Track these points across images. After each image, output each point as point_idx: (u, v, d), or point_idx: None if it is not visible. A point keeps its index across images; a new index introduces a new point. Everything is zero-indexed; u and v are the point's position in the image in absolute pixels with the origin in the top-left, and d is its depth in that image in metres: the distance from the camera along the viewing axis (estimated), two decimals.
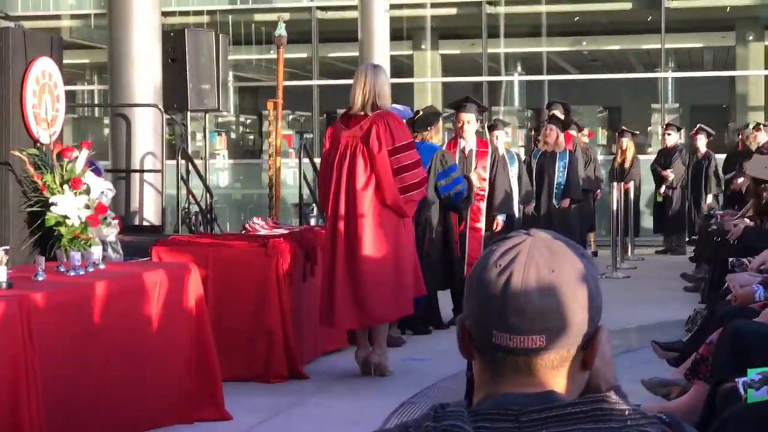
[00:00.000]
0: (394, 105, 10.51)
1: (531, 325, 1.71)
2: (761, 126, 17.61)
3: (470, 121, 10.68)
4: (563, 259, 1.75)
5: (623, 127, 19.01)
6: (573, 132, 16.51)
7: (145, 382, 6.02)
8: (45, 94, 7.32)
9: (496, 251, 1.76)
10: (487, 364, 1.76)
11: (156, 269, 6.38)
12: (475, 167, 10.77)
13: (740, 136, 18.27)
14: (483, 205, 10.83)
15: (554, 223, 14.30)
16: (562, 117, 15.34)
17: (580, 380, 1.79)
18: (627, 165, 18.00)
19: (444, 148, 10.54)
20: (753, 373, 3.88)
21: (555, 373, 1.75)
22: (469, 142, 10.76)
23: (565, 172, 14.65)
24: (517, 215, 13.12)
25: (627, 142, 18.22)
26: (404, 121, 8.74)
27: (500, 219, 11.04)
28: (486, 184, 10.82)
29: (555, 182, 14.65)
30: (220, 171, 23.18)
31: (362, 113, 8.07)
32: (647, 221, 19.46)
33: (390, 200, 8.01)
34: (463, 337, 1.80)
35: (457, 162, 10.36)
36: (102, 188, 7.22)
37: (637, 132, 19.60)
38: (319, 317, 8.21)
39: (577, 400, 1.73)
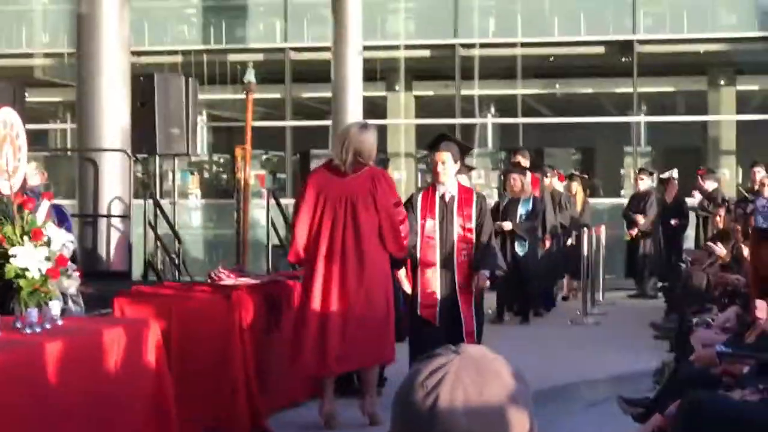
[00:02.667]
0: None
1: None
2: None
3: (446, 161, 9.04)
4: (492, 380, 1.70)
5: (573, 171, 18.95)
6: (549, 176, 16.58)
7: None
8: (6, 145, 7.24)
9: (422, 371, 1.71)
10: None
11: (114, 326, 6.30)
12: (459, 217, 9.10)
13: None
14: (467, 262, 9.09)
15: (520, 268, 14.25)
16: (526, 163, 15.35)
17: None
18: (578, 209, 17.82)
19: (421, 194, 9.33)
20: None
21: None
22: (449, 187, 9.12)
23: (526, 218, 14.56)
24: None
25: (576, 187, 18.10)
26: None
27: (484, 275, 9.23)
28: (473, 237, 9.09)
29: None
30: (193, 211, 23.10)
31: (345, 168, 8.23)
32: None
33: (393, 246, 8.31)
34: None
35: (437, 211, 9.09)
36: (63, 240, 7.14)
37: (586, 176, 19.44)
38: (304, 363, 8.15)
39: None
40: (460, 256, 9.04)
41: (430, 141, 9.48)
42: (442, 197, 9.12)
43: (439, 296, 8.98)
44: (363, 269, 8.13)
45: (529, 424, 1.72)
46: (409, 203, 9.16)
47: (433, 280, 9.00)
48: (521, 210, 14.49)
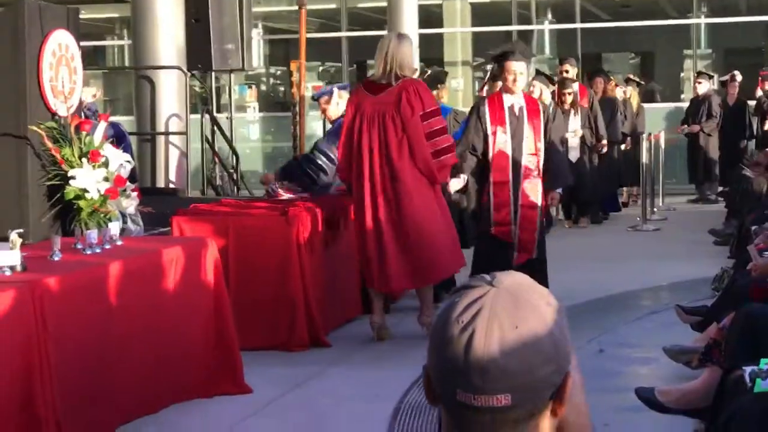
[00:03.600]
0: (337, 84, 10.18)
1: (495, 384, 1.67)
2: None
3: (523, 72, 8.63)
4: (527, 311, 1.70)
5: (629, 76, 18.68)
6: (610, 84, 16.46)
7: (164, 359, 6.04)
8: (62, 67, 7.30)
9: (458, 304, 1.71)
10: (453, 418, 1.73)
11: (173, 245, 6.37)
12: (530, 130, 8.62)
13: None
14: (537, 179, 8.67)
15: None
16: (574, 71, 15.18)
17: (549, 429, 1.76)
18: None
19: (487, 103, 8.69)
20: (765, 363, 3.82)
21: (523, 427, 1.71)
22: (516, 97, 8.67)
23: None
24: None
25: (631, 91, 17.86)
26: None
27: (558, 194, 9.06)
28: (541, 149, 8.65)
29: None
30: (251, 124, 23.13)
31: (385, 82, 8.08)
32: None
33: (422, 164, 8.06)
34: (428, 386, 1.76)
35: (507, 124, 8.59)
36: (121, 160, 7.22)
37: (642, 82, 19.14)
38: (373, 281, 8.21)
39: None
40: (527, 170, 8.60)
41: (498, 51, 8.80)
42: (511, 108, 8.64)
43: (512, 214, 8.60)
44: (396, 186, 8.02)
45: (566, 349, 1.73)
46: (475, 113, 8.70)
47: (506, 198, 8.64)
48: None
